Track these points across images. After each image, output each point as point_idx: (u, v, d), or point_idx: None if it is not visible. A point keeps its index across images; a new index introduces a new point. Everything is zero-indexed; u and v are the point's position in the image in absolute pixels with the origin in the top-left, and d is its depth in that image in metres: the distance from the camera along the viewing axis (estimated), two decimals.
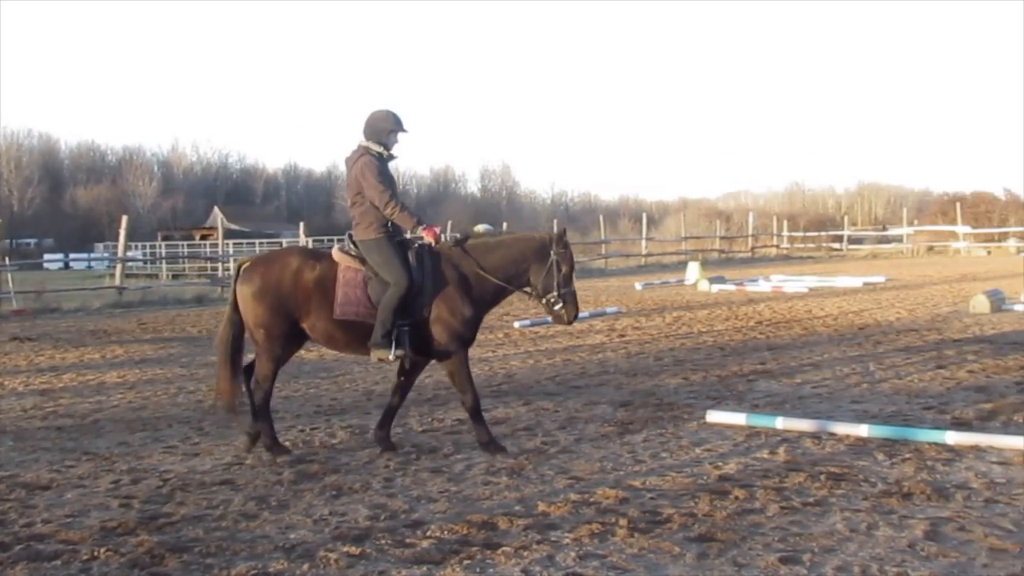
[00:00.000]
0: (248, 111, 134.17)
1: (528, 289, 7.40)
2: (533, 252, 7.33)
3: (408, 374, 7.55)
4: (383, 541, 5.12)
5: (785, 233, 54.55)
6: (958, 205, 53.46)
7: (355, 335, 7.12)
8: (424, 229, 7.25)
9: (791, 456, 6.85)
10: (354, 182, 7.22)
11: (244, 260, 7.52)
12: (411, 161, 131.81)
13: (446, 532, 5.25)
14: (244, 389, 7.31)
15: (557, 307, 7.31)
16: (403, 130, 7.40)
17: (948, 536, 5.05)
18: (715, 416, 8.13)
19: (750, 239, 51.97)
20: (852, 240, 55.32)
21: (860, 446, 7.10)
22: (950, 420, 7.95)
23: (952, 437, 7.10)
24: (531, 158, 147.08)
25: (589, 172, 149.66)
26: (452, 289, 7.17)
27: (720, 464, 6.67)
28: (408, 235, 7.40)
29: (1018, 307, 16.90)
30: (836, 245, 53.78)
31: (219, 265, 33.31)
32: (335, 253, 7.30)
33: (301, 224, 33.01)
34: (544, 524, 5.37)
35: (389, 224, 7.22)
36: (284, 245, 52.33)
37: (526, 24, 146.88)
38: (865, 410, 8.46)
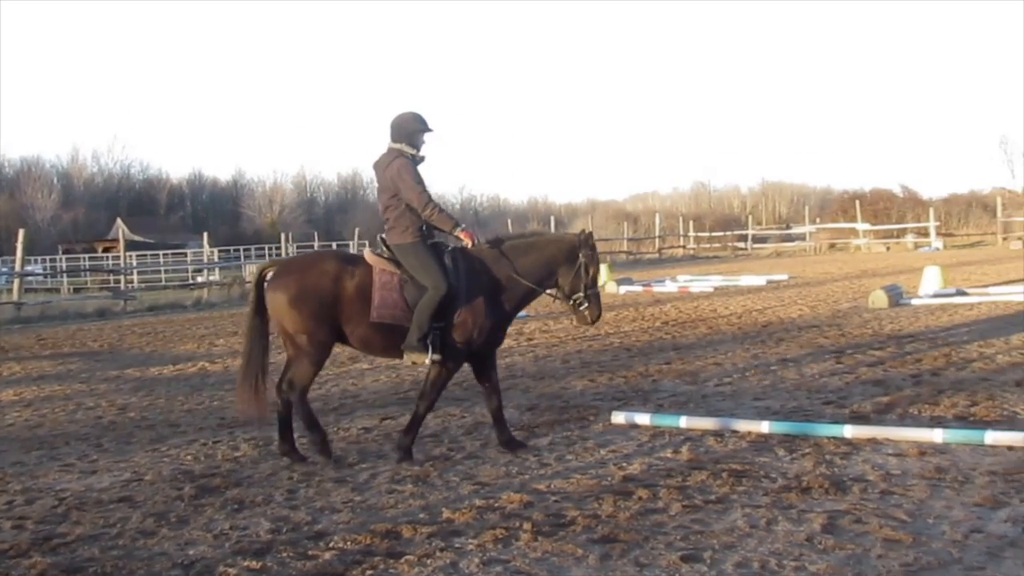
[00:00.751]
0: (151, 119, 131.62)
1: (553, 291, 7.53)
2: (564, 254, 7.42)
3: (482, 376, 7.50)
4: (284, 554, 5.04)
5: (691, 233, 55.36)
6: (857, 203, 54.76)
7: (391, 338, 7.08)
8: (461, 231, 7.28)
9: (694, 455, 6.92)
10: (390, 185, 7.19)
11: (267, 266, 7.46)
12: (318, 167, 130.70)
13: (349, 543, 5.19)
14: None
15: (583, 308, 7.45)
16: (429, 130, 7.39)
17: (845, 528, 5.14)
18: (620, 417, 8.18)
19: (657, 240, 52.62)
20: (757, 239, 56.33)
21: (761, 442, 7.21)
22: (848, 414, 8.11)
23: (850, 431, 7.24)
24: (439, 161, 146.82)
25: (498, 175, 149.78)
26: (485, 292, 7.22)
27: (624, 465, 6.71)
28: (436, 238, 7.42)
29: (915, 301, 17.35)
30: (741, 244, 54.70)
31: (121, 278, 32.63)
32: (368, 256, 7.27)
33: (205, 235, 32.52)
34: (448, 531, 5.35)
35: (423, 227, 7.22)
36: (188, 255, 51.53)
37: (430, 24, 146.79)
38: (767, 407, 8.59)
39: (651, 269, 37.34)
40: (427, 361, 7.05)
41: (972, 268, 28.19)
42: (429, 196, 7.15)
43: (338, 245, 54.96)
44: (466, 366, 7.50)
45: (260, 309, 7.19)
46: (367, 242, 54.88)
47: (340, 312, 6.99)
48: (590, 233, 7.72)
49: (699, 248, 55.52)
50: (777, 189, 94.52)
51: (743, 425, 7.67)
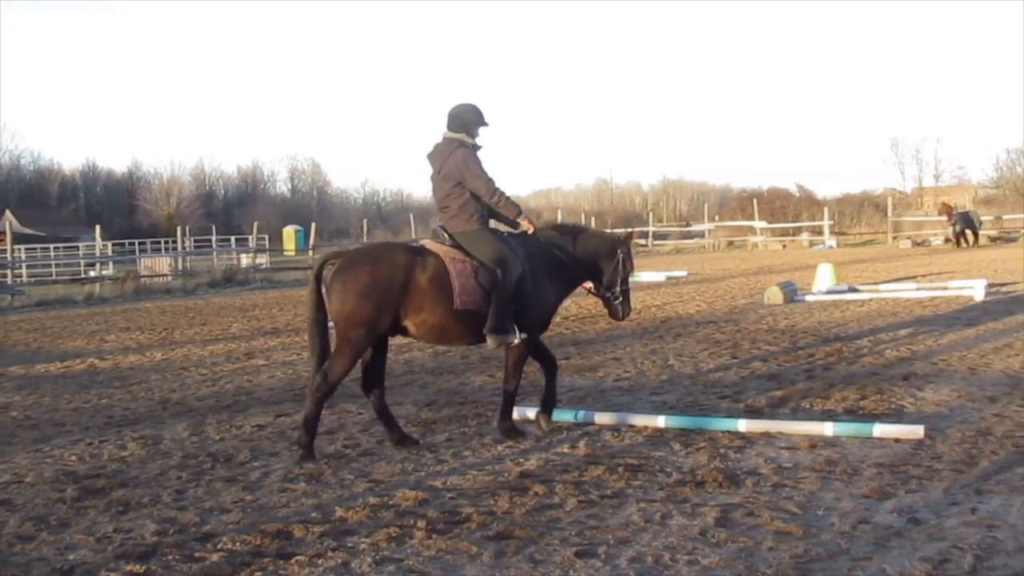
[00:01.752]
0: (43, 108, 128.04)
1: (589, 285, 7.98)
2: (606, 249, 7.81)
3: (543, 358, 7.74)
4: (170, 557, 4.89)
5: None
6: (755, 201, 55.83)
7: (471, 325, 7.16)
8: (523, 218, 7.53)
9: (591, 450, 6.92)
10: (454, 173, 7.32)
11: (329, 257, 7.36)
12: (217, 160, 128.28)
13: (238, 544, 5.06)
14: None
15: (617, 302, 7.89)
16: (486, 123, 7.56)
17: (737, 522, 5.18)
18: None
19: None
20: (657, 236, 56.96)
21: (658, 437, 7.24)
22: (743, 408, 8.20)
23: (744, 425, 7.32)
24: (342, 156, 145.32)
25: (401, 170, 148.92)
26: (545, 275, 7.48)
27: (521, 461, 6.68)
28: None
29: (809, 298, 17.70)
30: (642, 241, 55.15)
31: (8, 272, 31.63)
32: (432, 246, 7.29)
33: (98, 228, 31.74)
34: (341, 530, 5.25)
35: (485, 214, 7.43)
36: (80, 248, 50.16)
37: (333, 18, 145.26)
38: (664, 401, 8.65)
39: None
40: (515, 341, 7.21)
41: (864, 266, 28.90)
42: (495, 184, 7.36)
43: (237, 240, 54.11)
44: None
45: (320, 302, 7.09)
46: (267, 236, 54.33)
47: (408, 304, 6.98)
48: (631, 233, 8.37)
49: None
50: (678, 187, 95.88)
51: (640, 419, 7.71)
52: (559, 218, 53.90)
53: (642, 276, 26.06)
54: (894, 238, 48.70)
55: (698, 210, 64.86)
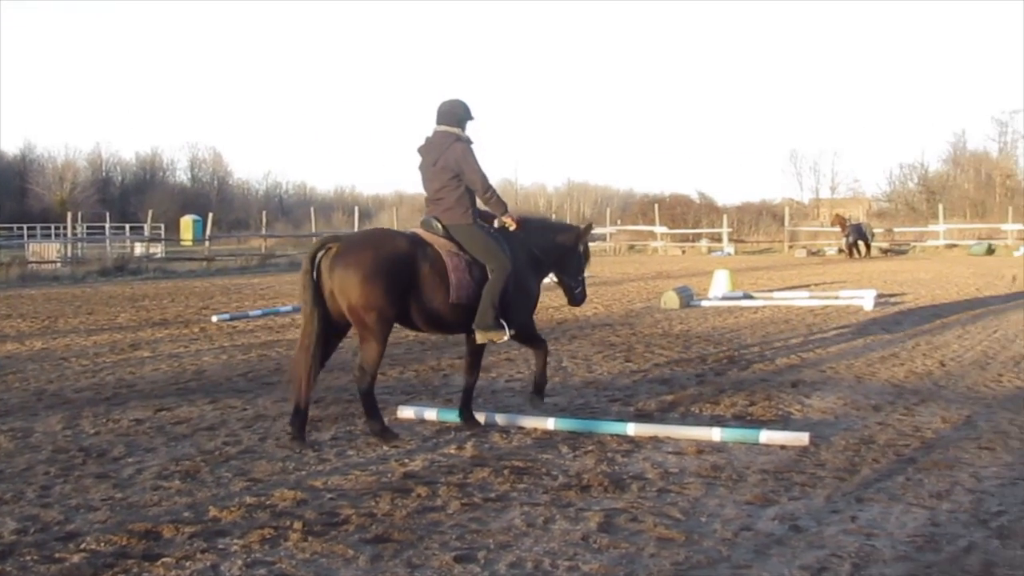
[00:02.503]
0: None
1: (552, 274, 8.34)
2: (571, 241, 8.24)
3: (475, 352, 7.80)
4: (28, 557, 4.64)
5: None
6: (656, 207, 56.43)
7: (463, 318, 7.34)
8: (507, 216, 7.77)
9: (478, 451, 6.82)
10: (453, 166, 7.43)
11: (326, 243, 7.22)
12: (115, 146, 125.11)
13: (103, 544, 4.83)
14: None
15: (578, 290, 8.50)
16: (472, 118, 7.71)
17: (620, 527, 5.12)
18: (406, 412, 8.03)
19: None
20: None
21: (547, 439, 7.17)
22: (633, 412, 8.18)
23: (633, 429, 7.29)
24: (245, 146, 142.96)
25: (305, 163, 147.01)
26: (526, 270, 7.74)
27: (407, 461, 6.54)
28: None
29: (705, 303, 17.87)
30: None
31: None
32: (427, 236, 7.37)
33: None
34: (213, 531, 5.06)
35: (476, 208, 7.61)
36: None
37: (236, 6, 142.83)
38: (555, 403, 8.58)
39: None
40: (505, 337, 7.40)
41: (760, 273, 29.36)
42: (489, 180, 7.58)
43: (132, 228, 52.89)
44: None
45: (318, 288, 7.04)
46: (163, 225, 53.23)
47: (412, 291, 7.08)
48: (590, 225, 8.77)
49: None
50: (582, 190, 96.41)
51: (529, 421, 7.64)
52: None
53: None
54: (790, 247, 49.66)
55: (601, 214, 65.28)
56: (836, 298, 18.50)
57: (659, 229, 52.49)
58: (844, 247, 42.34)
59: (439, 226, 7.42)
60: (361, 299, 6.90)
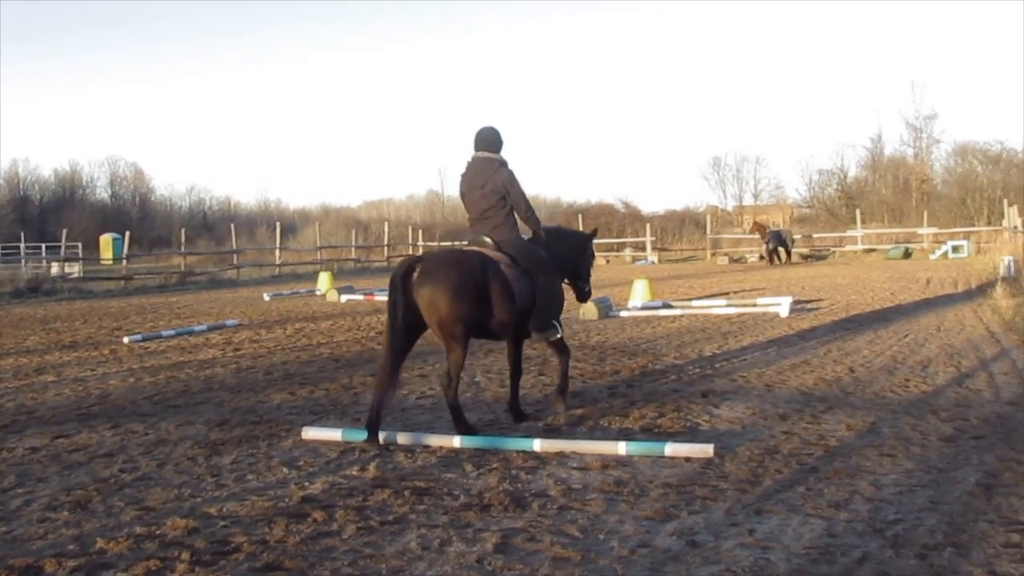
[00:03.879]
0: None
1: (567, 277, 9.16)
2: (582, 245, 9.16)
3: (516, 353, 8.61)
4: None
5: (421, 243, 55.54)
6: (580, 216, 56.70)
7: (522, 321, 8.22)
8: (538, 230, 8.76)
9: (380, 472, 6.71)
10: (500, 188, 8.34)
11: (412, 262, 7.97)
12: (33, 163, 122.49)
13: None
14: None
15: (587, 289, 9.40)
16: (504, 143, 8.63)
17: (517, 548, 5.04)
18: (311, 433, 7.89)
19: (387, 249, 52.51)
20: None
21: (452, 457, 7.09)
22: (542, 427, 8.13)
23: (539, 444, 7.24)
24: (167, 161, 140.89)
25: (229, 176, 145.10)
26: (555, 276, 8.65)
27: (306, 484, 6.41)
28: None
29: (623, 313, 17.92)
30: None
31: None
32: (488, 252, 8.20)
33: None
34: (97, 564, 4.89)
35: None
36: None
37: (156, 15, 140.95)
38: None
39: (377, 278, 37.13)
40: (559, 335, 8.44)
41: (681, 281, 29.60)
42: (528, 202, 8.59)
43: (48, 247, 51.89)
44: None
45: (410, 303, 7.76)
46: (80, 244, 52.12)
47: (488, 302, 7.88)
48: (596, 230, 10.19)
49: None
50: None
51: (435, 439, 7.55)
52: (387, 229, 53.61)
53: None
54: (713, 255, 50.25)
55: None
56: (753, 305, 18.70)
57: None
58: (764, 254, 42.88)
59: (491, 241, 8.33)
60: (450, 313, 7.66)
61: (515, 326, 8.20)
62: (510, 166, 8.48)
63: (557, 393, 8.71)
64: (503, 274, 8.03)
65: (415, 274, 7.80)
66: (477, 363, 11.94)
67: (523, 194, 8.47)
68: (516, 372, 8.62)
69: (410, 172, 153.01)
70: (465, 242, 8.71)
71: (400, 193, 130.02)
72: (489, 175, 8.38)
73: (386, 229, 54.64)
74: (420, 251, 54.81)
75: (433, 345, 13.73)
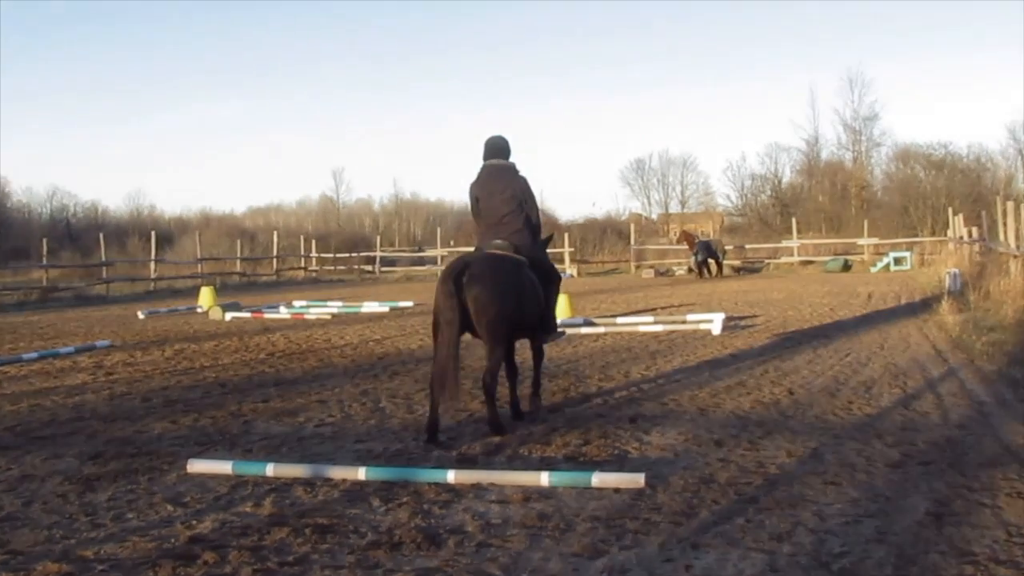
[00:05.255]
0: None
1: None
2: (544, 251, 10.14)
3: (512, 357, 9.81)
4: None
5: (314, 254, 55.28)
6: None
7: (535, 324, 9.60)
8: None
9: (277, 508, 6.67)
10: (520, 195, 9.62)
11: (463, 263, 9.07)
12: None
13: None
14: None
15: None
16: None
17: None
18: (198, 465, 7.80)
19: (276, 261, 52.14)
20: (386, 262, 57.15)
21: (357, 491, 7.07)
22: (455, 456, 8.16)
23: (454, 476, 7.26)
24: (25, 164, 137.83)
25: (97, 180, 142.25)
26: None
27: (194, 523, 6.35)
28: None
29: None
30: (369, 267, 55.24)
31: None
32: (517, 256, 9.41)
33: None
34: None
35: None
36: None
37: (10, 12, 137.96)
38: (369, 449, 8.50)
39: (266, 293, 36.86)
40: (563, 336, 10.46)
41: (603, 296, 29.88)
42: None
43: None
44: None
45: (462, 304, 8.79)
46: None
47: (524, 303, 9.16)
48: (552, 235, 11.30)
49: (322, 271, 55.57)
50: (412, 207, 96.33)
51: (338, 472, 7.52)
52: (276, 239, 53.21)
53: (364, 306, 26.03)
54: (637, 267, 50.75)
55: (433, 233, 65.48)
56: (683, 322, 18.96)
57: None
58: (693, 266, 43.38)
59: (511, 246, 9.41)
60: (498, 313, 8.84)
61: (535, 327, 9.57)
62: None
63: (534, 395, 9.96)
64: (531, 277, 9.30)
65: (465, 276, 8.83)
66: (381, 387, 11.94)
67: (536, 204, 9.79)
68: (514, 373, 9.87)
69: (301, 175, 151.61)
70: (482, 246, 9.61)
71: (290, 199, 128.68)
72: (508, 181, 9.62)
73: (275, 239, 54.17)
74: (314, 263, 54.76)
75: (333, 368, 13.73)
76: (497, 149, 9.78)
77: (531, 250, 9.59)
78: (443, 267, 9.66)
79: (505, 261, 9.19)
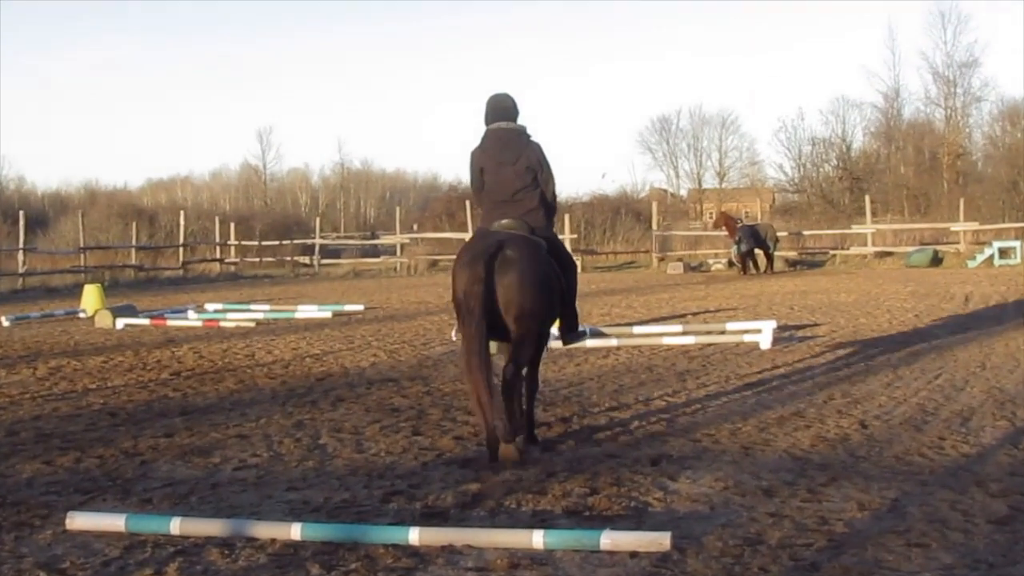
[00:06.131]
0: None
1: None
2: None
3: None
4: None
5: (233, 242, 55.26)
6: (468, 204, 56.75)
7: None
8: None
9: None
10: (534, 164, 10.01)
11: (491, 244, 9.45)
12: None
13: None
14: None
15: None
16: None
17: None
18: (80, 520, 7.78)
19: (183, 250, 52.12)
20: (328, 252, 57.22)
21: (290, 555, 7.07)
22: (420, 509, 8.17)
23: (418, 535, 7.25)
24: None
25: None
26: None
27: None
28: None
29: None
30: (306, 259, 55.17)
31: None
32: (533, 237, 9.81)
33: None
34: None
35: None
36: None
37: None
38: (305, 500, 8.50)
39: (170, 293, 36.88)
40: (583, 340, 11.75)
41: (617, 298, 30.07)
42: None
43: None
44: None
45: (492, 290, 9.27)
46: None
47: (554, 294, 9.76)
48: None
49: (244, 263, 55.52)
50: (363, 180, 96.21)
51: (265, 529, 7.52)
52: (184, 222, 53.15)
53: (299, 311, 26.05)
54: (661, 260, 50.84)
55: (390, 215, 65.51)
56: (721, 332, 19.00)
57: None
58: (734, 258, 43.34)
59: (526, 226, 9.83)
60: (535, 305, 9.40)
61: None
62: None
63: (528, 440, 10.04)
64: (555, 265, 9.81)
65: (498, 259, 9.30)
66: (321, 418, 11.93)
67: (552, 175, 10.20)
68: (534, 388, 10.33)
69: (216, 138, 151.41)
70: (493, 227, 9.93)
71: (202, 169, 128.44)
72: (521, 149, 10.01)
73: (182, 222, 54.20)
74: (233, 253, 54.74)
75: (258, 392, 13.73)
76: (504, 109, 10.15)
77: (548, 233, 10.11)
78: (466, 245, 10.05)
79: (537, 245, 9.68)
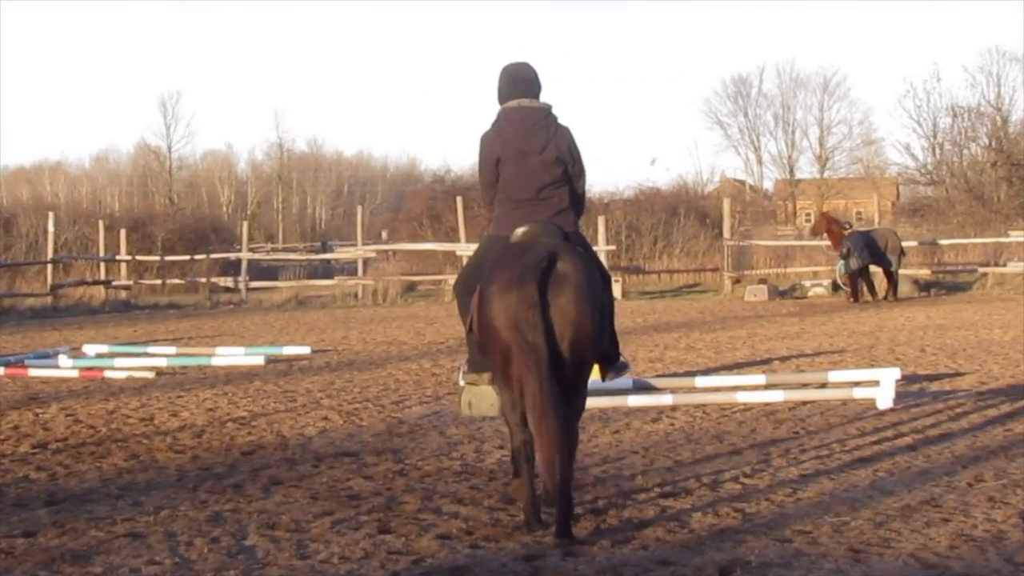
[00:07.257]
0: None
1: None
2: None
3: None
4: None
5: (124, 257, 55.29)
6: (460, 200, 56.89)
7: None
8: None
9: None
10: (565, 155, 10.57)
11: (540, 255, 9.63)
12: None
13: None
14: None
15: None
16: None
17: None
18: None
19: (49, 268, 52.23)
20: (259, 271, 57.32)
21: None
22: None
23: None
24: None
25: None
26: None
27: None
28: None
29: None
30: (228, 281, 55.16)
31: None
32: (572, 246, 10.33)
33: None
34: None
35: None
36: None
37: None
38: None
39: (34, 330, 36.90)
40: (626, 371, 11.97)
41: (673, 335, 29.99)
42: None
43: None
44: None
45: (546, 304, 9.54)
46: None
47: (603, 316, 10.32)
48: None
49: (140, 288, 55.56)
50: (311, 166, 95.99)
51: None
52: (52, 229, 53.24)
53: (217, 355, 26.02)
54: (736, 281, 50.76)
55: (349, 217, 65.64)
56: (822, 386, 18.96)
57: (467, 248, 52.75)
58: (841, 280, 43.18)
59: (558, 231, 10.30)
60: (594, 329, 9.82)
61: None
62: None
63: (559, 531, 10.16)
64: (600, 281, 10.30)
65: (551, 274, 9.60)
66: (248, 508, 11.89)
67: (583, 163, 10.85)
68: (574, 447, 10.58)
69: (102, 109, 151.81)
70: (518, 233, 10.34)
71: (81, 152, 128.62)
72: (549, 134, 10.56)
73: (50, 227, 54.23)
74: (124, 272, 54.83)
75: (158, 471, 13.75)
76: (525, 82, 10.65)
77: (581, 240, 10.75)
78: (501, 259, 9.97)
79: (587, 257, 10.32)
